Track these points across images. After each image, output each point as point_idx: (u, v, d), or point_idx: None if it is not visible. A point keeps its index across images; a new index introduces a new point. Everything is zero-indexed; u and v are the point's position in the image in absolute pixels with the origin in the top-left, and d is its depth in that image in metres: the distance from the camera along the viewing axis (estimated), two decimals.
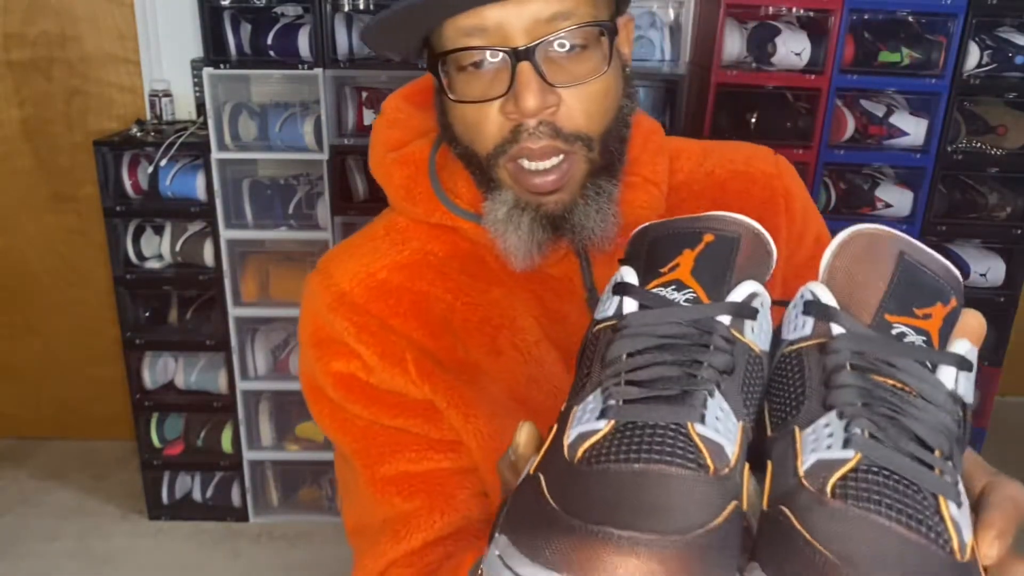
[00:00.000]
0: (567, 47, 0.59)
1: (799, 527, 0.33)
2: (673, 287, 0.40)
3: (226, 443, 2.32)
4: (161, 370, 2.30)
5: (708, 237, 0.42)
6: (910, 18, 2.02)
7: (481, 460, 0.68)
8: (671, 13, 2.20)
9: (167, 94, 2.25)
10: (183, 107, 2.30)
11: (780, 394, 0.40)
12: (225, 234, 2.12)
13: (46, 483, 2.55)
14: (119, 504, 2.45)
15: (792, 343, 0.41)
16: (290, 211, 2.16)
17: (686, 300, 0.39)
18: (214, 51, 2.02)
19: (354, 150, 2.12)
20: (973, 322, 0.41)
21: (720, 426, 0.35)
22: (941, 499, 0.34)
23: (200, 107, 2.24)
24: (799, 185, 0.77)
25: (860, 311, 0.40)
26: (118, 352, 2.29)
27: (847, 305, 0.40)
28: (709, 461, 0.34)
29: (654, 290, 0.40)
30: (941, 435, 0.36)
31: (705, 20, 2.10)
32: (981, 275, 2.10)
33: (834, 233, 0.44)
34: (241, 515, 2.38)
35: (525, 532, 0.34)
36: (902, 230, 2.26)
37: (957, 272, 0.43)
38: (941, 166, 2.03)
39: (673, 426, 0.35)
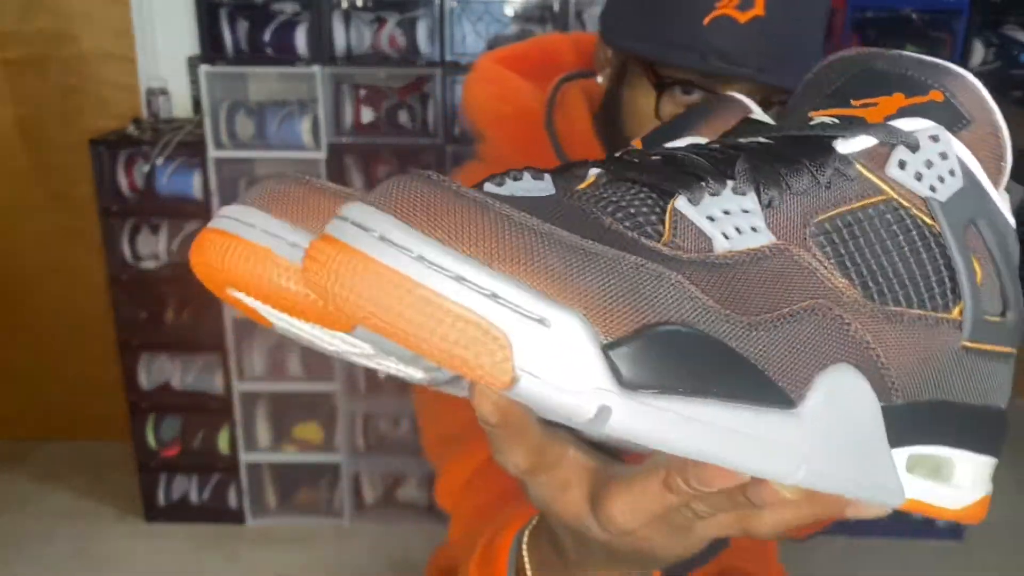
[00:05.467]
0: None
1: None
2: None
3: (223, 445, 2.30)
4: (157, 371, 2.28)
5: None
6: (914, 16, 2.00)
7: None
8: None
9: (163, 92, 2.23)
10: (180, 105, 2.28)
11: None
12: None
13: (42, 485, 2.53)
14: (115, 506, 2.43)
15: None
16: None
17: None
18: (211, 48, 2.01)
19: (352, 148, 2.10)
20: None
21: None
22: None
23: (197, 105, 2.22)
24: None
25: (791, 121, 0.34)
26: (114, 353, 2.27)
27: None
28: None
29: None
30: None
31: None
32: None
33: None
34: (238, 517, 2.36)
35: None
36: None
37: (952, 65, 0.33)
38: None
39: None
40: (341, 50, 2.03)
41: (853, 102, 0.33)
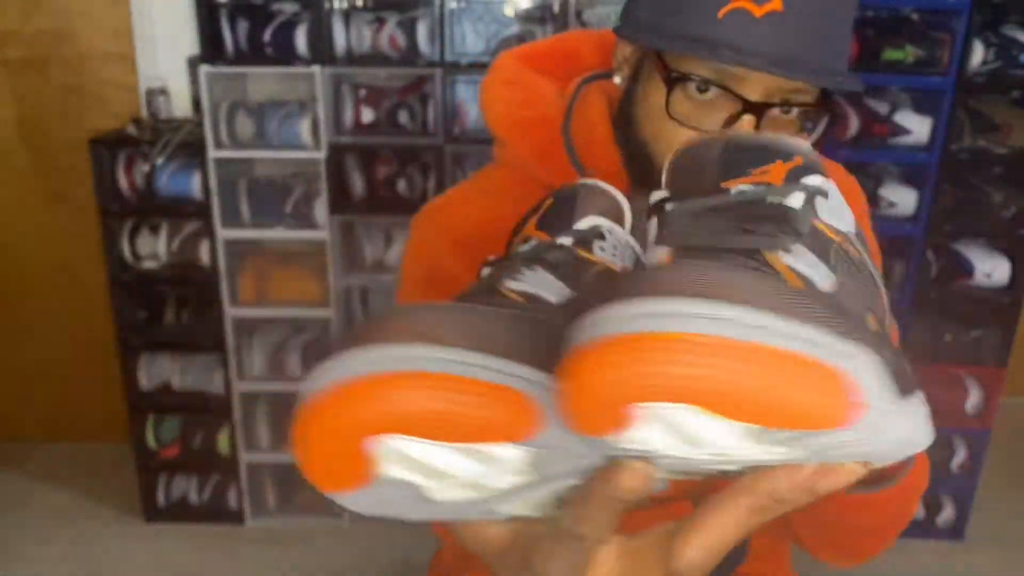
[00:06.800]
0: (785, 109, 0.61)
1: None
2: (521, 243, 0.44)
3: (223, 445, 2.30)
4: (157, 371, 2.28)
5: (548, 201, 0.46)
6: (914, 15, 2.00)
7: None
8: None
9: (163, 92, 2.23)
10: (180, 105, 2.28)
11: None
12: (222, 233, 2.10)
13: (42, 486, 2.53)
14: (115, 507, 2.43)
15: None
16: (287, 210, 2.14)
17: (531, 247, 0.43)
18: (211, 49, 2.01)
19: (352, 148, 2.10)
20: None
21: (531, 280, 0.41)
22: (764, 252, 0.33)
23: (197, 105, 2.22)
24: (865, 209, 0.80)
25: (700, 191, 0.39)
26: (114, 353, 2.27)
27: (683, 192, 0.39)
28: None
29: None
30: (764, 219, 0.36)
31: None
32: (986, 275, 2.08)
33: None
34: (238, 518, 2.36)
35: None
36: (907, 230, 2.21)
37: (791, 139, 0.40)
38: (946, 164, 2.01)
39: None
40: (341, 50, 2.03)
41: (751, 170, 0.38)
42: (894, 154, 2.04)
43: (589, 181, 0.46)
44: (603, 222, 0.43)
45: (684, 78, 0.60)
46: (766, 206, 0.35)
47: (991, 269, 2.08)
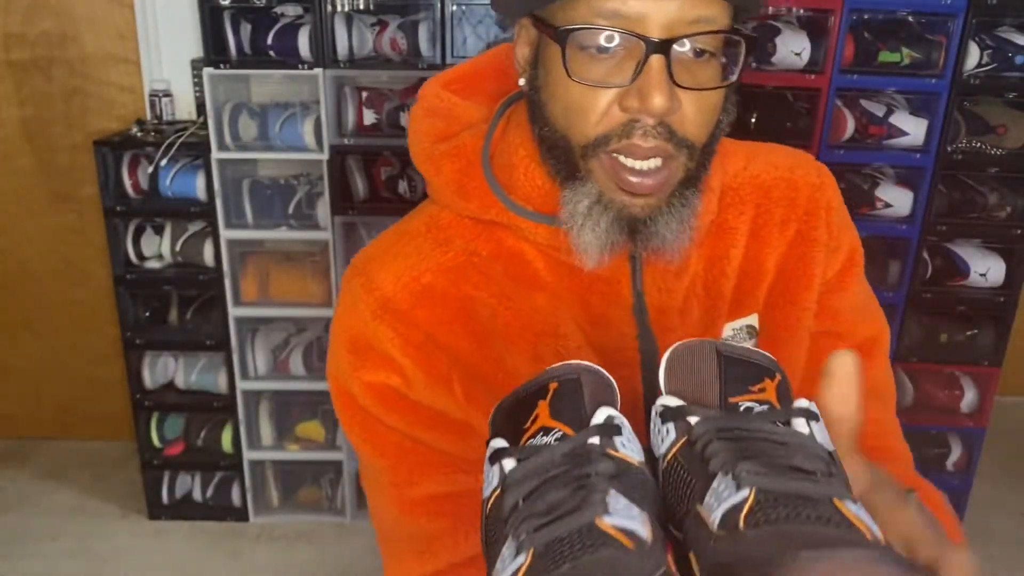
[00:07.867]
0: (698, 51, 0.57)
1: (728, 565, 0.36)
2: (541, 433, 0.44)
3: (226, 443, 2.32)
4: (161, 370, 2.30)
5: (553, 385, 0.46)
6: (910, 18, 2.02)
7: None
8: None
9: (167, 94, 2.25)
10: (183, 107, 2.30)
11: (675, 499, 0.43)
12: (225, 234, 2.13)
13: (46, 483, 2.55)
14: (119, 504, 2.45)
15: (666, 454, 0.45)
16: (290, 211, 2.16)
17: (556, 439, 0.43)
18: (214, 51, 2.02)
19: (354, 150, 2.12)
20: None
21: (625, 513, 0.38)
22: (835, 500, 0.37)
23: (200, 107, 2.24)
24: (839, 199, 0.76)
25: (707, 404, 0.45)
26: (118, 352, 2.29)
27: (694, 403, 0.46)
28: (626, 541, 0.36)
29: (526, 444, 0.44)
30: (815, 459, 0.40)
31: None
32: (981, 275, 2.10)
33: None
34: (241, 515, 2.38)
35: None
36: (902, 230, 2.22)
37: (768, 354, 0.48)
38: (941, 166, 2.03)
39: (584, 529, 0.37)
40: (343, 53, 2.05)
41: (751, 388, 0.45)
42: (890, 156, 2.06)
43: (586, 364, 0.48)
44: (615, 414, 0.45)
45: (574, 29, 0.56)
46: (796, 436, 0.42)
47: (986, 269, 2.10)
